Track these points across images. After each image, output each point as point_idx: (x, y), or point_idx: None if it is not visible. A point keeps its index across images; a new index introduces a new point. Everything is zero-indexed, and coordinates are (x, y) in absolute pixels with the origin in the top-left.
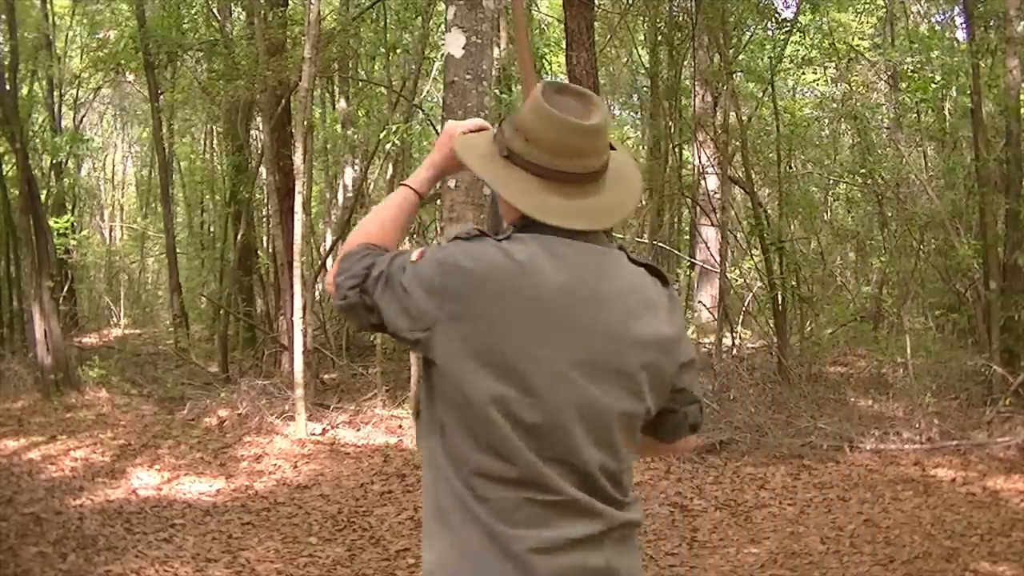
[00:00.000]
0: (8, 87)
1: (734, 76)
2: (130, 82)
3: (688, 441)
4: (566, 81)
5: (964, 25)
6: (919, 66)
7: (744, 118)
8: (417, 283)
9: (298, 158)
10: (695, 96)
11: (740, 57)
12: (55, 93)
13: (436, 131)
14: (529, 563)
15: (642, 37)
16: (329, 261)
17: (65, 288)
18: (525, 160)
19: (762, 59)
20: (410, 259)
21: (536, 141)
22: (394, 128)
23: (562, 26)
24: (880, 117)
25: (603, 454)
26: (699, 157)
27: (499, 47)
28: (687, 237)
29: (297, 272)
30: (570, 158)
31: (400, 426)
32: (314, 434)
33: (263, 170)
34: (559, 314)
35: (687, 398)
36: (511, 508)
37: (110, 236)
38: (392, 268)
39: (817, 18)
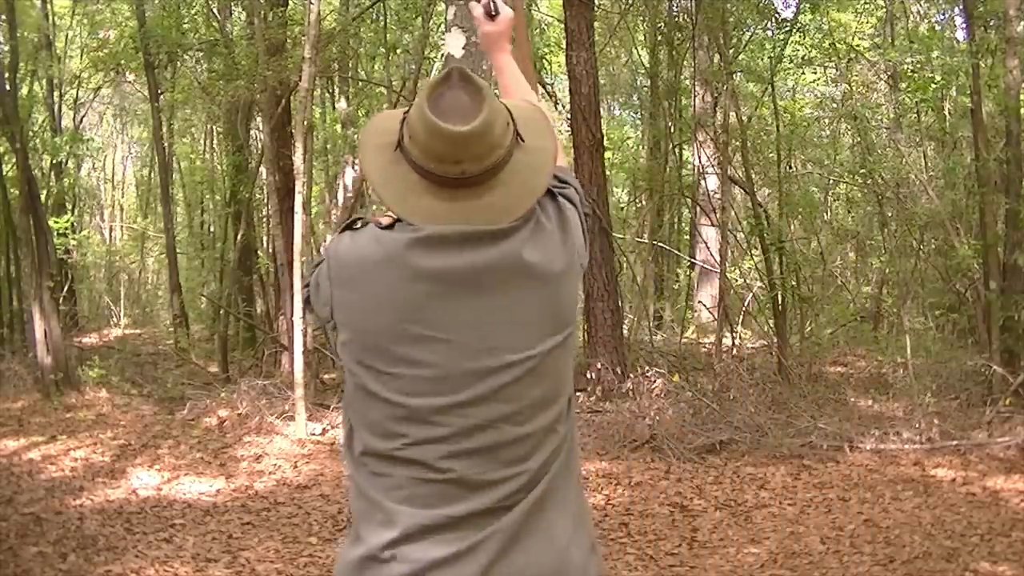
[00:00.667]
0: (8, 87)
1: (734, 76)
2: (130, 82)
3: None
4: (454, 73)
5: (964, 25)
6: (919, 66)
7: (744, 118)
8: (319, 277)
9: (298, 158)
10: (695, 96)
11: (740, 57)
12: (55, 93)
13: None
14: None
15: (642, 37)
16: None
17: (65, 288)
18: (409, 157)
19: (762, 59)
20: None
21: (414, 140)
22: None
23: (562, 26)
24: (880, 117)
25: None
26: (699, 157)
27: None
28: (687, 237)
29: (297, 272)
30: (441, 162)
31: None
32: (314, 434)
33: (263, 170)
34: (424, 299)
35: (582, 193)
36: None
37: (110, 236)
38: (314, 265)
39: (817, 18)
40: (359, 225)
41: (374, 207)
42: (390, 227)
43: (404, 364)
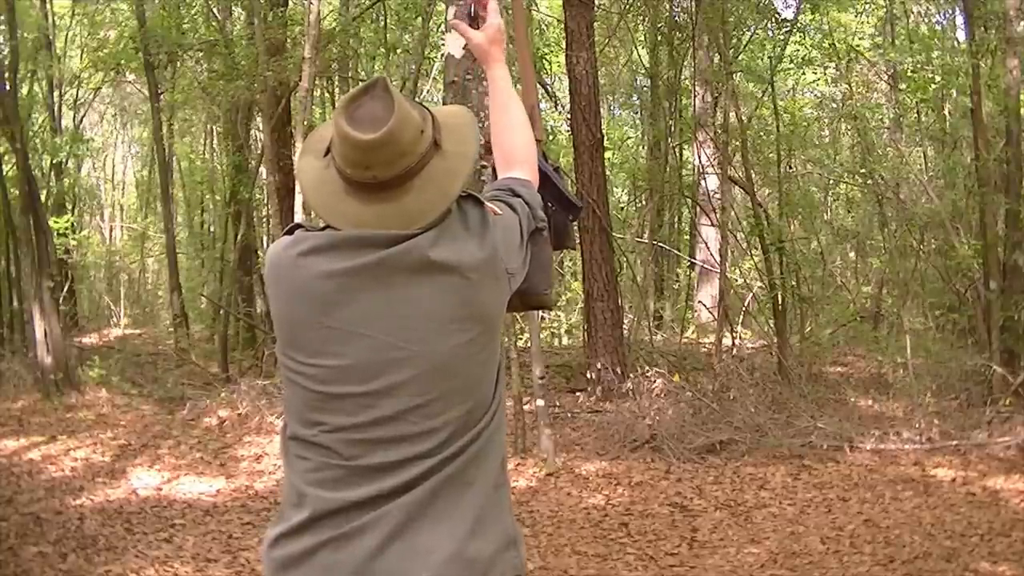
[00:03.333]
0: (8, 87)
1: (734, 76)
2: (130, 82)
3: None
4: (370, 81)
5: (964, 25)
6: (919, 66)
7: (744, 118)
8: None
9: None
10: (695, 96)
11: (740, 57)
12: (55, 93)
13: None
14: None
15: (642, 37)
16: None
17: (65, 288)
18: (335, 163)
19: (762, 59)
20: None
21: (334, 146)
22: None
23: (562, 26)
24: (880, 117)
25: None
26: (699, 157)
27: None
28: (687, 237)
29: None
30: (354, 168)
31: None
32: None
33: (263, 170)
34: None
35: (537, 208)
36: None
37: (110, 236)
38: None
39: (817, 18)
40: (293, 231)
41: None
42: (310, 231)
43: (320, 356)
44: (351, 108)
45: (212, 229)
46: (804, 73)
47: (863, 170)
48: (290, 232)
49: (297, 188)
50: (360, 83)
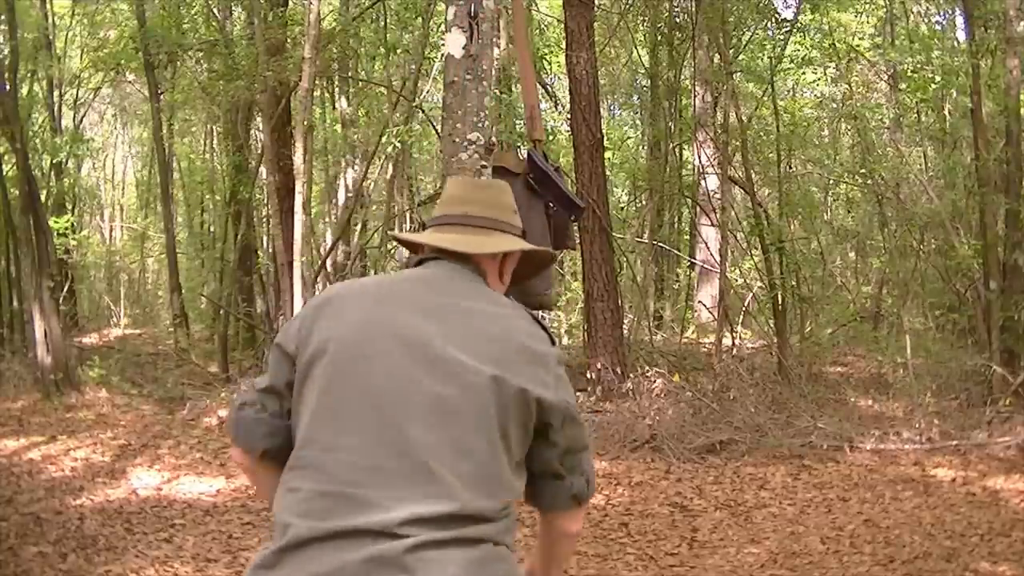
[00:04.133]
0: (8, 87)
1: (734, 76)
2: (130, 82)
3: (573, 518)
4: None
5: (964, 25)
6: (919, 66)
7: (744, 118)
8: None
9: (298, 158)
10: (695, 96)
11: (740, 57)
12: (55, 93)
13: (436, 131)
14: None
15: (642, 37)
16: (329, 261)
17: (65, 288)
18: (435, 213)
19: (762, 59)
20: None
21: (439, 201)
22: (394, 131)
23: (562, 26)
24: (880, 117)
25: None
26: (699, 157)
27: (499, 47)
28: (687, 237)
29: (297, 272)
30: (452, 205)
31: None
32: None
33: (263, 170)
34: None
35: (575, 464)
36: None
37: (110, 236)
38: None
39: (817, 18)
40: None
41: (373, 207)
42: None
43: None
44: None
45: (212, 229)
46: (804, 73)
47: (863, 170)
48: None
49: (297, 188)
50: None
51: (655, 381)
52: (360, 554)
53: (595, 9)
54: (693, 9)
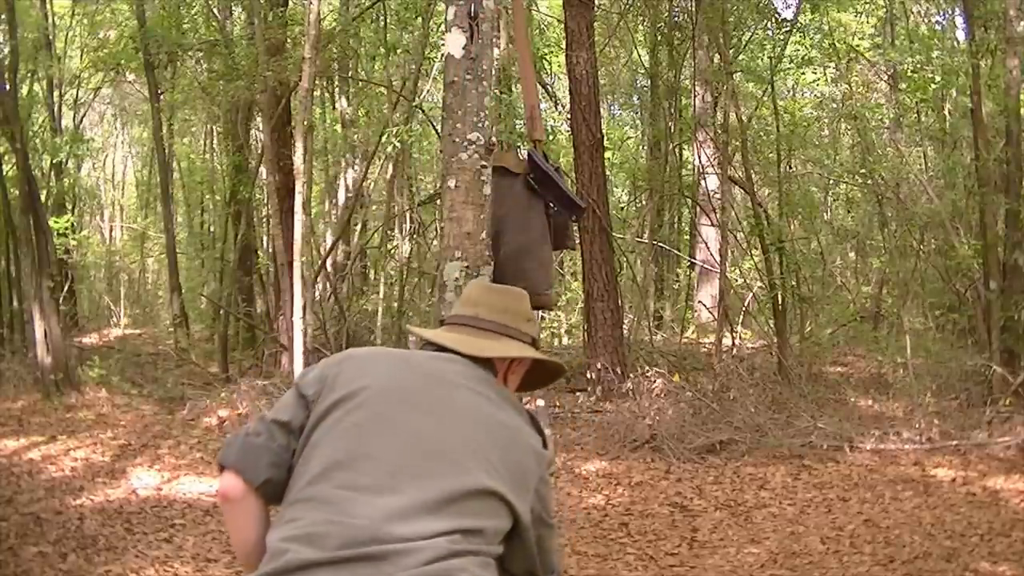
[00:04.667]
0: (8, 87)
1: (734, 76)
2: (130, 82)
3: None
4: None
5: (964, 25)
6: (919, 66)
7: (744, 118)
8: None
9: (298, 158)
10: (695, 96)
11: (740, 57)
12: (55, 93)
13: (436, 131)
14: None
15: (642, 37)
16: (329, 261)
17: (65, 288)
18: (452, 317)
19: (762, 59)
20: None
21: (459, 301)
22: (394, 131)
23: (562, 26)
24: (880, 117)
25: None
26: (699, 157)
27: (499, 47)
28: (687, 237)
29: (297, 272)
30: (466, 305)
31: None
32: None
33: (263, 170)
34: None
35: (548, 566)
36: None
37: (110, 236)
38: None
39: (817, 18)
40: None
41: (373, 207)
42: None
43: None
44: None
45: (212, 229)
46: (804, 73)
47: (863, 170)
48: None
49: (297, 188)
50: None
51: (655, 381)
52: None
53: (595, 9)
54: (693, 9)
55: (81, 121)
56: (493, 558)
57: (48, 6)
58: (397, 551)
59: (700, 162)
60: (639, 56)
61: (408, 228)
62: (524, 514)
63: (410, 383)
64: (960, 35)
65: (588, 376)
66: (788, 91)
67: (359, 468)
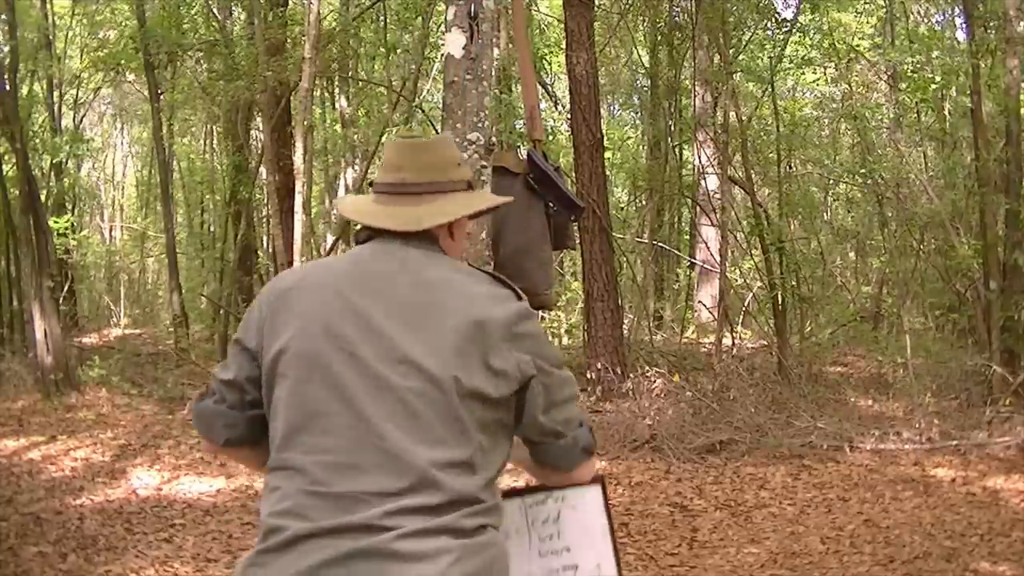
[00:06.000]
0: (8, 87)
1: (734, 76)
2: (130, 82)
3: (587, 467)
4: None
5: (964, 25)
6: (919, 66)
7: (744, 118)
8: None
9: (298, 158)
10: (695, 96)
11: (740, 57)
12: (55, 93)
13: (436, 131)
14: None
15: (642, 37)
16: None
17: (65, 288)
18: (376, 178)
19: (762, 59)
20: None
21: (383, 158)
22: (394, 131)
23: (562, 26)
24: (880, 117)
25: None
26: (699, 157)
27: (499, 47)
28: (687, 237)
29: None
30: (389, 170)
31: None
32: None
33: (263, 170)
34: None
35: (569, 419)
36: None
37: (110, 236)
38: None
39: (817, 18)
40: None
41: None
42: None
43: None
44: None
45: (212, 229)
46: (804, 73)
47: (863, 170)
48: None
49: (297, 188)
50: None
51: (655, 381)
52: (345, 548)
53: (595, 9)
54: (693, 9)
55: (81, 121)
56: (479, 524)
57: (48, 6)
58: (378, 526)
59: (700, 162)
60: (639, 56)
61: None
62: (494, 387)
63: (339, 320)
64: (960, 35)
65: (588, 376)
66: (788, 91)
67: (317, 430)
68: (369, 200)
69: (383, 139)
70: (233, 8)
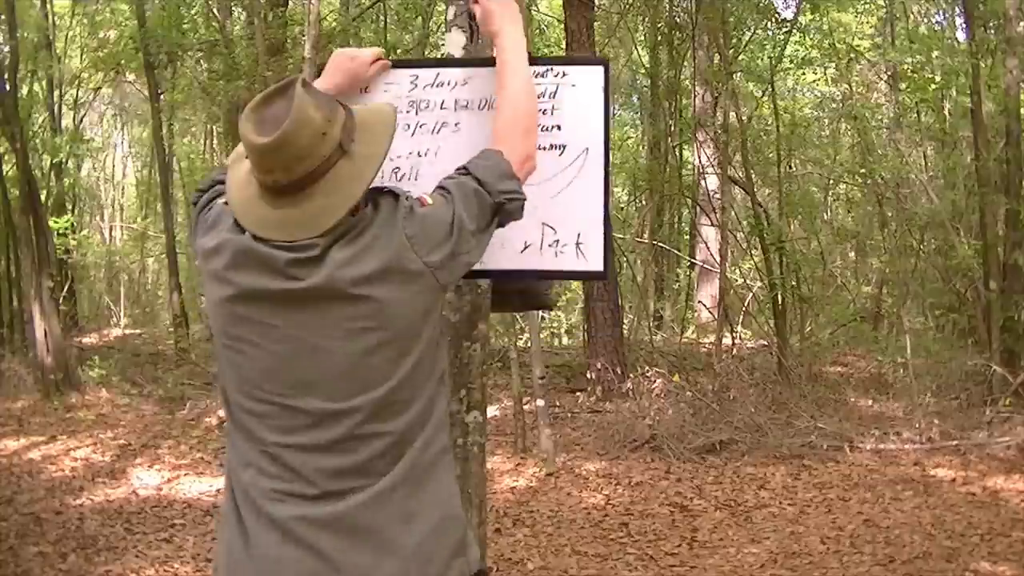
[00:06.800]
0: (8, 87)
1: (734, 76)
2: (130, 82)
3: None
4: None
5: (964, 25)
6: (919, 66)
7: (744, 118)
8: (192, 228)
9: None
10: (695, 96)
11: (740, 57)
12: (55, 93)
13: None
14: None
15: (642, 37)
16: None
17: (65, 288)
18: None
19: (762, 59)
20: (215, 206)
21: (245, 150)
22: None
23: (562, 26)
24: (880, 117)
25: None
26: (699, 157)
27: None
28: (687, 237)
29: None
30: (259, 171)
31: None
32: None
33: None
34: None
35: (495, 181)
36: None
37: (110, 236)
38: (207, 200)
39: (817, 18)
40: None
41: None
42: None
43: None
44: (260, 109)
45: None
46: (804, 73)
47: (863, 170)
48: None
49: None
50: None
51: (655, 381)
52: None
53: (595, 9)
54: (693, 9)
55: (81, 121)
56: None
57: (48, 6)
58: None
59: (700, 162)
60: (639, 56)
61: None
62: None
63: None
64: (960, 35)
65: (588, 376)
66: (788, 91)
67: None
68: (253, 190)
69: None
70: (233, 8)
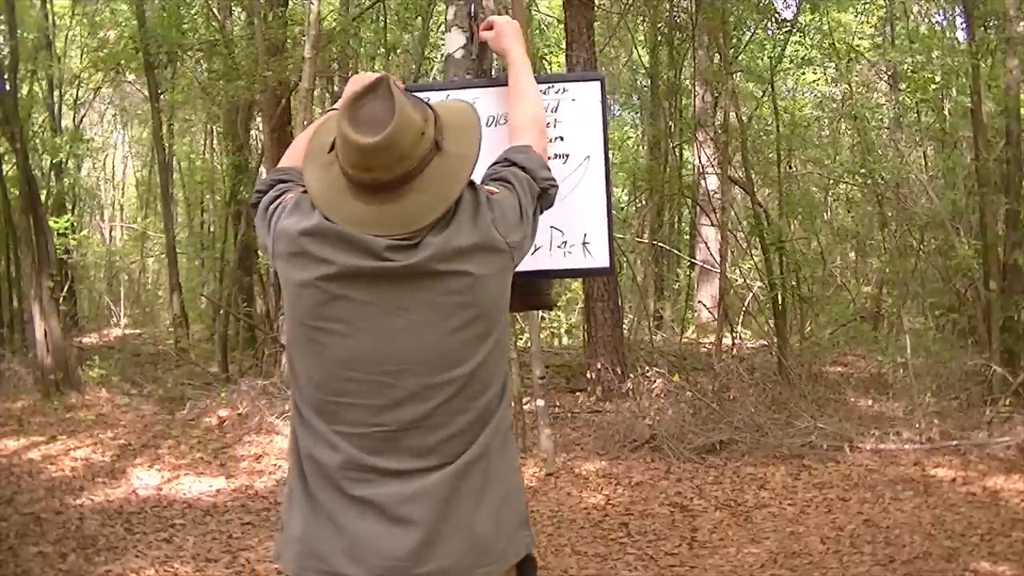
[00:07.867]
0: (8, 87)
1: (734, 76)
2: (130, 82)
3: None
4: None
5: (964, 25)
6: (919, 66)
7: (744, 118)
8: (264, 221)
9: None
10: (695, 96)
11: (740, 57)
12: (55, 93)
13: None
14: None
15: (642, 37)
16: None
17: (65, 288)
18: (340, 162)
19: (762, 59)
20: (288, 198)
21: (338, 147)
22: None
23: (562, 26)
24: (880, 117)
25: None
26: (699, 157)
27: None
28: (687, 237)
29: None
30: (354, 169)
31: None
32: None
33: (263, 170)
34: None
35: (537, 169)
36: None
37: (110, 236)
38: (274, 195)
39: (817, 18)
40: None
41: None
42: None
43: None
44: (354, 108)
45: (212, 229)
46: (804, 73)
47: (863, 170)
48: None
49: None
50: None
51: (655, 381)
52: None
53: (595, 9)
54: (693, 9)
55: (81, 121)
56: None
57: (48, 6)
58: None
59: (700, 162)
60: (639, 56)
61: None
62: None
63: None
64: (960, 35)
65: (588, 376)
66: (788, 91)
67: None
68: (343, 187)
69: None
70: (233, 8)
